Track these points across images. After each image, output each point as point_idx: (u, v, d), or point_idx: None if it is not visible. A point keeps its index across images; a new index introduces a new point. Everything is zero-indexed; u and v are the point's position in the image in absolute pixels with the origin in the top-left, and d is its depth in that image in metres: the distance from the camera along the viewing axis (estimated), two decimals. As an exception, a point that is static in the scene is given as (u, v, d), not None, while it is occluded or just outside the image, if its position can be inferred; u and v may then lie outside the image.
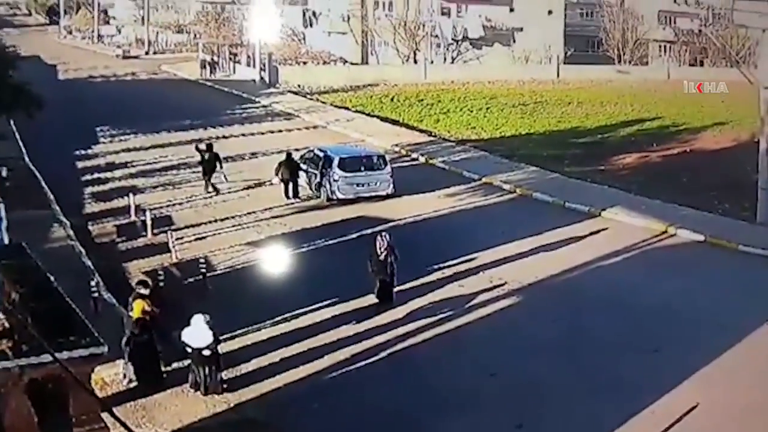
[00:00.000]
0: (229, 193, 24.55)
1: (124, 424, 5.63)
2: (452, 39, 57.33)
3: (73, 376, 7.45)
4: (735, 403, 12.80)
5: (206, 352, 12.80)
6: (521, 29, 58.13)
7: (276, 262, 16.62)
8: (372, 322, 15.39)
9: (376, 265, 16.23)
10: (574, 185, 25.95)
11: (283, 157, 24.66)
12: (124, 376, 13.20)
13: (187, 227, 21.07)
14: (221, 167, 24.86)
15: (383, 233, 16.93)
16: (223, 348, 13.26)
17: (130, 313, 13.31)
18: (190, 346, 12.88)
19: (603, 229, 21.53)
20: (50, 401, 8.14)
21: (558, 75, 53.38)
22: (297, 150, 26.07)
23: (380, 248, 16.18)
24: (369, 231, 20.84)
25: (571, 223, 21.72)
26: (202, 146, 25.04)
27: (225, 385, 13.03)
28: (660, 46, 62.45)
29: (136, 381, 13.17)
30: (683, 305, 16.43)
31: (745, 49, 54.71)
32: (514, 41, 58.51)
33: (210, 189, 24.25)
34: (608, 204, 23.24)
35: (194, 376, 12.98)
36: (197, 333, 12.84)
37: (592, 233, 21.10)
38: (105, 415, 8.44)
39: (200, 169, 24.71)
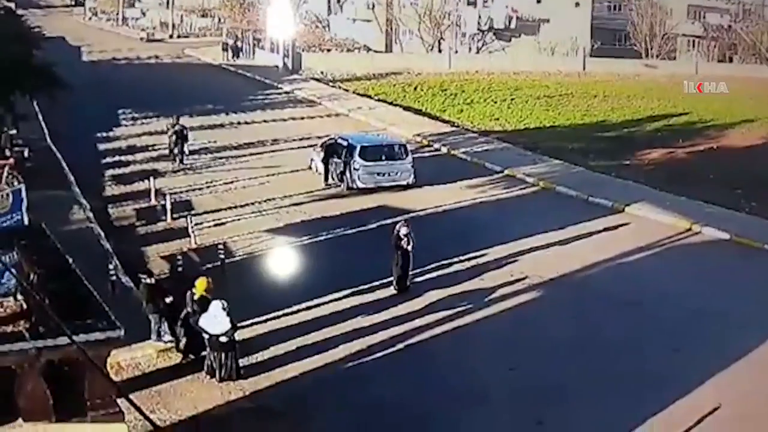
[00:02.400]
0: (249, 179, 24.54)
1: (139, 410, 5.53)
2: (477, 29, 56.91)
3: (89, 359, 7.44)
4: (758, 404, 12.61)
5: (223, 339, 12.80)
6: (548, 20, 57.61)
7: (290, 253, 16.59)
8: (389, 313, 15.30)
9: (395, 254, 16.20)
10: (598, 179, 25.65)
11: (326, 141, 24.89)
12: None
13: (206, 213, 21.05)
14: (186, 141, 25.87)
15: (401, 221, 16.93)
16: (239, 335, 13.22)
17: (193, 290, 13.42)
18: (207, 332, 12.88)
19: (626, 225, 21.27)
20: (66, 384, 8.12)
21: (584, 68, 52.77)
22: (319, 137, 25.95)
23: (398, 237, 16.22)
24: (389, 221, 20.73)
25: (595, 217, 21.48)
26: (173, 120, 26.33)
27: (241, 372, 13.01)
28: (688, 41, 61.59)
29: (185, 355, 13.43)
30: (706, 304, 16.19)
31: (775, 47, 54.01)
32: (541, 32, 58.00)
33: (176, 161, 25.55)
34: (632, 199, 22.97)
35: (210, 363, 12.98)
36: (215, 320, 12.84)
37: (615, 229, 20.86)
38: (119, 400, 8.38)
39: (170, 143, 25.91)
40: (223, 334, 12.79)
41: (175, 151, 25.83)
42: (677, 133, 34.01)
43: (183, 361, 13.50)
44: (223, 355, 12.87)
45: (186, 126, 26.34)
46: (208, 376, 12.95)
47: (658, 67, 54.69)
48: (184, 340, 13.58)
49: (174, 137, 25.83)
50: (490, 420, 12.25)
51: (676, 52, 60.59)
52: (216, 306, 12.86)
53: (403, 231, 16.30)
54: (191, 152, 26.68)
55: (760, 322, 15.31)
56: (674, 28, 59.70)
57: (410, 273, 16.49)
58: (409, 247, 16.22)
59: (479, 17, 56.57)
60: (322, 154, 24.46)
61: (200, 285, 13.48)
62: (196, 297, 13.42)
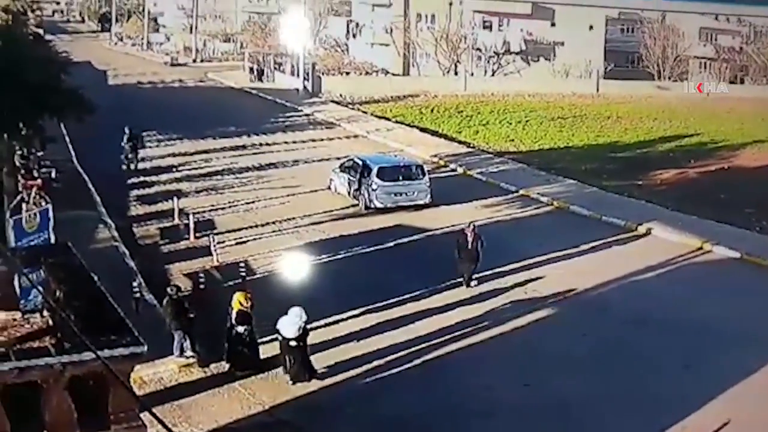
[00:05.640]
0: (270, 199, 24.93)
1: (162, 423, 5.65)
2: (493, 52, 57.30)
3: (113, 373, 7.53)
4: (767, 421, 12.69)
5: (292, 343, 13.56)
6: (562, 43, 57.84)
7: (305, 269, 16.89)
8: (406, 330, 15.51)
9: (465, 254, 17.53)
10: (611, 199, 25.82)
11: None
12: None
13: (228, 231, 21.42)
14: (140, 149, 28.55)
15: (470, 224, 18.13)
16: (310, 338, 13.89)
17: (232, 304, 14.08)
18: (281, 335, 13.66)
19: (639, 244, 21.44)
20: (90, 398, 8.23)
21: (598, 89, 52.94)
22: (338, 158, 26.27)
23: (469, 238, 17.60)
24: (406, 239, 21.07)
25: (608, 236, 21.67)
26: (127, 130, 28.33)
27: (308, 374, 13.62)
28: (700, 63, 61.38)
29: (230, 367, 13.95)
30: (716, 322, 16.29)
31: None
32: (555, 55, 58.24)
33: (131, 166, 27.89)
34: (645, 219, 23.11)
35: (284, 363, 13.74)
36: (288, 323, 13.62)
37: (627, 247, 21.03)
38: (142, 414, 8.54)
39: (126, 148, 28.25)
40: (291, 338, 13.51)
41: (130, 156, 27.96)
42: (689, 154, 34.05)
43: (232, 371, 13.89)
44: (292, 357, 13.58)
45: (140, 135, 28.59)
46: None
47: (670, 88, 54.69)
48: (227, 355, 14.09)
49: (130, 145, 27.81)
50: (504, 434, 12.48)
51: (688, 73, 60.47)
52: (293, 311, 13.66)
53: (472, 233, 17.76)
54: (214, 173, 27.18)
55: (768, 339, 15.41)
56: (686, 50, 59.52)
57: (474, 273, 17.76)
58: (478, 245, 17.67)
59: (495, 40, 56.97)
60: (341, 175, 24.90)
61: (236, 300, 14.04)
62: (233, 312, 13.97)
